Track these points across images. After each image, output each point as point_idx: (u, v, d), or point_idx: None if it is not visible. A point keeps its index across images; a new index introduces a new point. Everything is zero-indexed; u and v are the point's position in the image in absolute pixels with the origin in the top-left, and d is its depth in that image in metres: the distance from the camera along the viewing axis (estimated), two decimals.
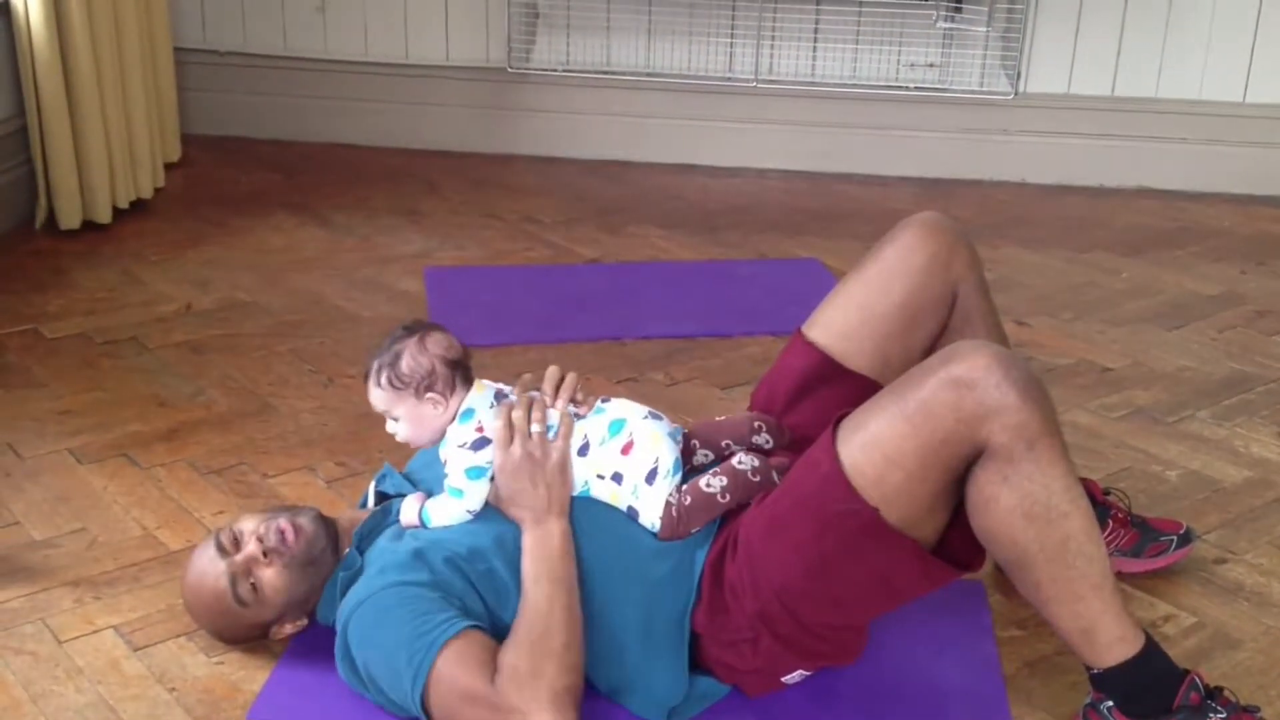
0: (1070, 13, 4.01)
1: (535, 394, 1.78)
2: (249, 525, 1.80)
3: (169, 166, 4.00)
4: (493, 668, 1.62)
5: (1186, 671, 1.63)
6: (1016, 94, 4.03)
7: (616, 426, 1.74)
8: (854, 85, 4.09)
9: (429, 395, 1.73)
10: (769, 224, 3.77)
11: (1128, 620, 1.60)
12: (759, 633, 1.67)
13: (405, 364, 1.73)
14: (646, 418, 1.76)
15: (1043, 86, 4.08)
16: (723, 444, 1.82)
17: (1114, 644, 1.59)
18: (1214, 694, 1.63)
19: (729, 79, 4.13)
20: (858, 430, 1.60)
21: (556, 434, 1.73)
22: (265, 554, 1.77)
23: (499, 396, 1.77)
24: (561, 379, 1.80)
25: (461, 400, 1.75)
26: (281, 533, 1.78)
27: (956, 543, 1.64)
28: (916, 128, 4.18)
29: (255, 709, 1.76)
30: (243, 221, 3.69)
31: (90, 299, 3.12)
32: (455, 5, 4.25)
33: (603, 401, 1.79)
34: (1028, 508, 1.54)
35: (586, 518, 1.74)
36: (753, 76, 4.09)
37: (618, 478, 1.73)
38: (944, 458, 1.55)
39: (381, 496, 1.93)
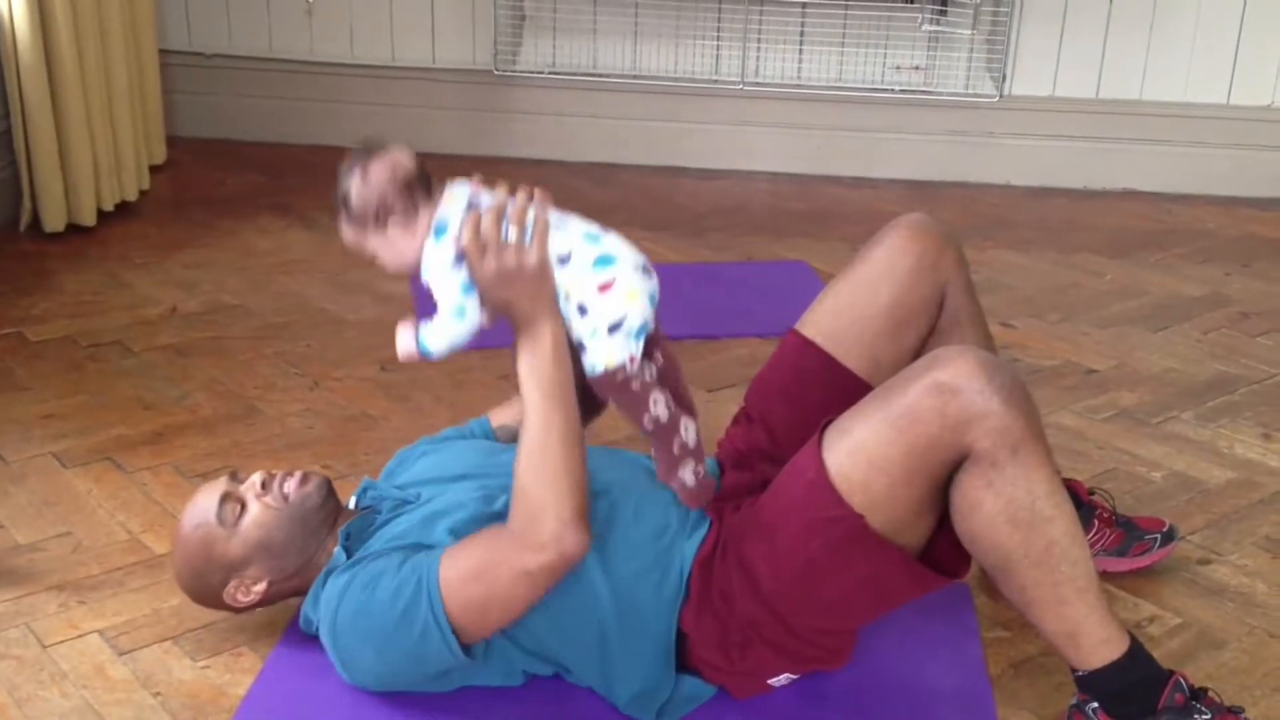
0: (1055, 15, 4.02)
1: (504, 196, 1.66)
2: (261, 473, 1.82)
3: (154, 169, 3.99)
4: (492, 529, 1.63)
5: (1171, 672, 1.63)
6: (1002, 96, 4.04)
7: (604, 261, 1.65)
8: (840, 88, 4.10)
9: (390, 224, 1.64)
10: (756, 226, 3.77)
11: (1112, 622, 1.61)
12: (747, 636, 1.68)
13: (355, 200, 1.65)
14: (637, 269, 1.66)
15: (1028, 89, 4.09)
16: (667, 390, 1.71)
17: (1099, 646, 1.60)
18: (1199, 695, 1.63)
19: (715, 81, 4.13)
20: (843, 436, 1.60)
21: (531, 237, 1.62)
22: (264, 486, 1.78)
23: (472, 204, 1.66)
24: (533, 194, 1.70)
25: (431, 215, 1.65)
26: (287, 475, 1.79)
27: (942, 548, 1.64)
28: (902, 130, 4.19)
29: (240, 713, 1.75)
30: (228, 224, 3.68)
31: (75, 302, 3.11)
32: (441, 8, 4.25)
33: (600, 229, 1.69)
34: (1012, 513, 1.54)
35: None
36: (739, 79, 4.10)
37: (583, 310, 1.64)
38: (929, 463, 1.55)
39: None
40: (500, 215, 1.63)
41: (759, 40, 4.09)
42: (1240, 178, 4.09)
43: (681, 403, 1.73)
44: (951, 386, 1.52)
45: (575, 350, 1.67)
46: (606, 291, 1.64)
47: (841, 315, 1.90)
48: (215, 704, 1.78)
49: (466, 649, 1.65)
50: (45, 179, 3.42)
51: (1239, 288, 3.37)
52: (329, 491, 1.83)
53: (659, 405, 1.66)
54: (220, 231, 3.62)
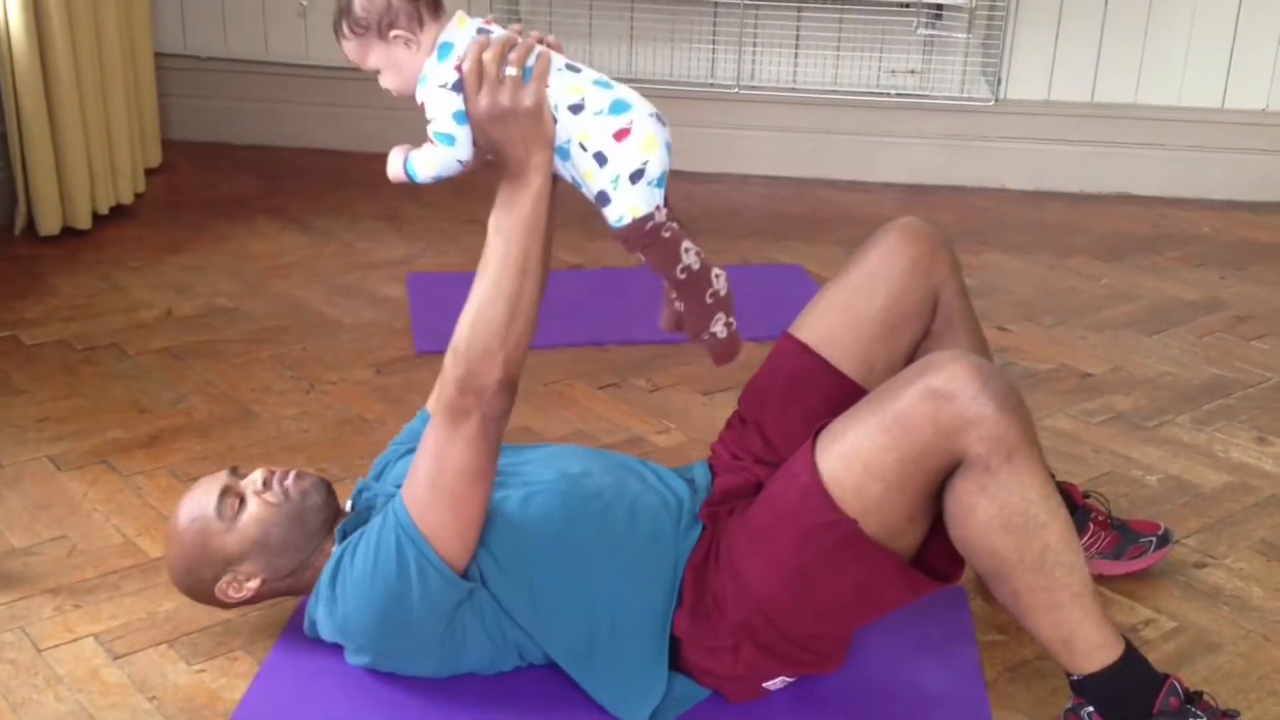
0: (1050, 19, 4.03)
1: (512, 33, 1.60)
2: (262, 470, 1.82)
3: (149, 172, 3.98)
4: (423, 437, 1.64)
5: (1166, 676, 1.63)
6: (997, 100, 4.05)
7: (619, 107, 1.56)
8: (835, 91, 4.10)
9: (394, 34, 1.58)
10: (751, 230, 3.77)
11: (1107, 627, 1.61)
12: (741, 641, 1.68)
13: (358, 5, 1.59)
14: (652, 116, 1.58)
15: (1023, 93, 4.10)
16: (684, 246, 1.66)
17: (1094, 651, 1.60)
18: (1194, 698, 1.63)
19: (711, 85, 4.13)
20: (836, 441, 1.60)
21: (530, 77, 1.55)
22: (265, 484, 1.77)
23: (481, 32, 1.60)
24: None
25: (437, 34, 1.59)
26: (288, 473, 1.79)
27: (936, 553, 1.64)
28: (897, 134, 4.19)
29: (236, 717, 1.75)
30: (224, 227, 3.68)
31: (70, 305, 3.11)
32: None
33: (611, 78, 1.61)
34: (1006, 518, 1.54)
35: (569, 500, 1.74)
36: (735, 82, 4.10)
37: (601, 158, 1.57)
38: (923, 469, 1.55)
39: None
40: (505, 49, 1.55)
41: (754, 44, 4.10)
42: (1235, 182, 4.09)
43: (703, 261, 1.66)
44: (945, 392, 1.53)
45: (601, 203, 1.60)
46: (624, 139, 1.56)
47: (835, 319, 1.90)
48: (211, 708, 1.78)
49: (463, 575, 1.65)
50: (40, 182, 3.41)
51: (1234, 292, 3.37)
52: (329, 492, 1.82)
53: (691, 253, 1.60)
54: (215, 235, 3.62)
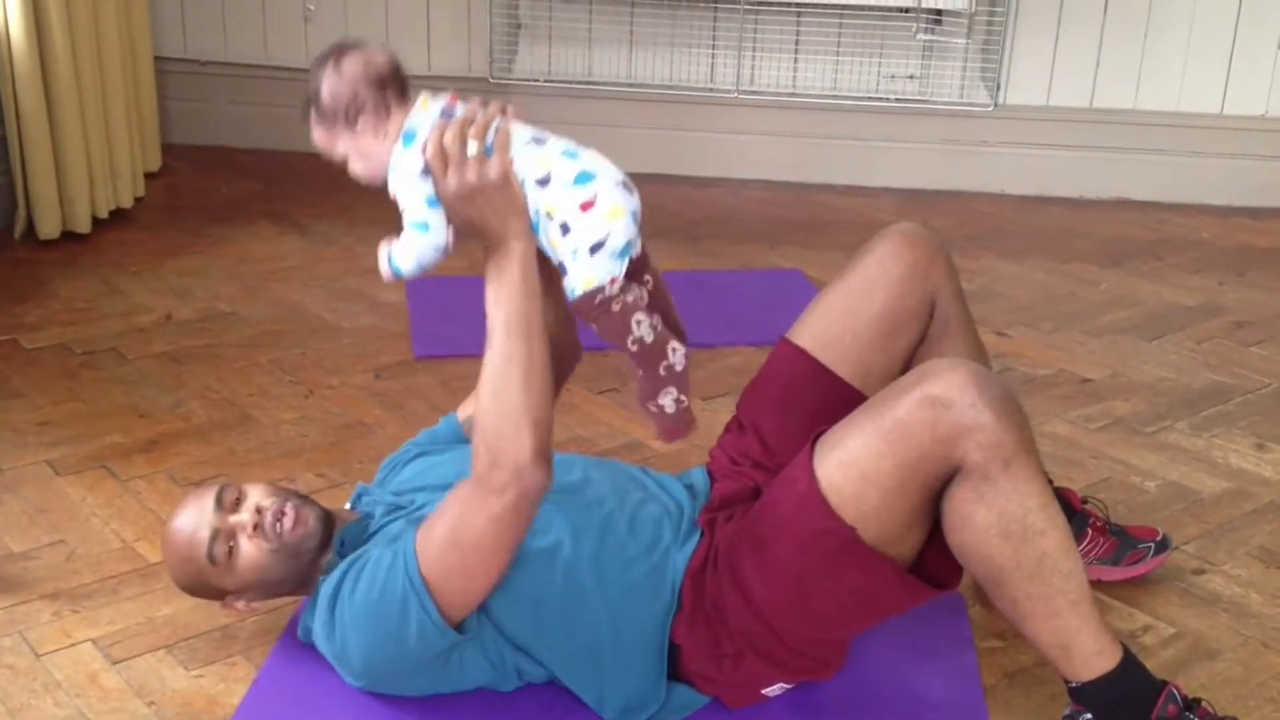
0: (1049, 25, 4.03)
1: (473, 109, 1.60)
2: (255, 493, 1.77)
3: (149, 176, 3.99)
4: (452, 495, 1.61)
5: (1164, 683, 1.63)
6: (996, 105, 4.05)
7: (584, 178, 1.58)
8: (835, 96, 4.10)
9: (361, 122, 1.58)
10: (750, 234, 3.77)
11: (1105, 634, 1.61)
12: (739, 647, 1.68)
13: (325, 94, 1.58)
14: (618, 185, 1.60)
15: (1022, 98, 4.10)
16: (655, 314, 1.68)
17: (1091, 658, 1.60)
18: (1192, 705, 1.63)
19: (710, 90, 4.14)
20: (835, 448, 1.60)
21: (492, 150, 1.55)
22: (254, 528, 1.74)
23: (445, 114, 1.60)
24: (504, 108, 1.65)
25: (402, 120, 1.59)
26: (280, 518, 1.74)
27: (934, 560, 1.64)
28: (897, 139, 4.19)
29: None
30: (223, 231, 3.68)
31: (69, 309, 3.11)
32: (437, 15, 4.25)
33: (578, 145, 1.62)
34: (1004, 525, 1.54)
35: (569, 510, 1.74)
36: (734, 87, 4.10)
37: (565, 229, 1.57)
38: (920, 476, 1.55)
39: None
40: (465, 128, 1.55)
41: (754, 48, 4.10)
42: (1234, 187, 4.10)
43: (671, 327, 1.69)
44: (943, 400, 1.53)
45: (556, 278, 1.61)
46: (589, 210, 1.57)
47: (832, 323, 1.90)
48: (209, 713, 1.78)
49: (459, 627, 1.64)
50: (40, 186, 3.42)
51: (1233, 297, 3.37)
52: (325, 523, 1.80)
53: (642, 326, 1.61)
54: (215, 239, 3.62)
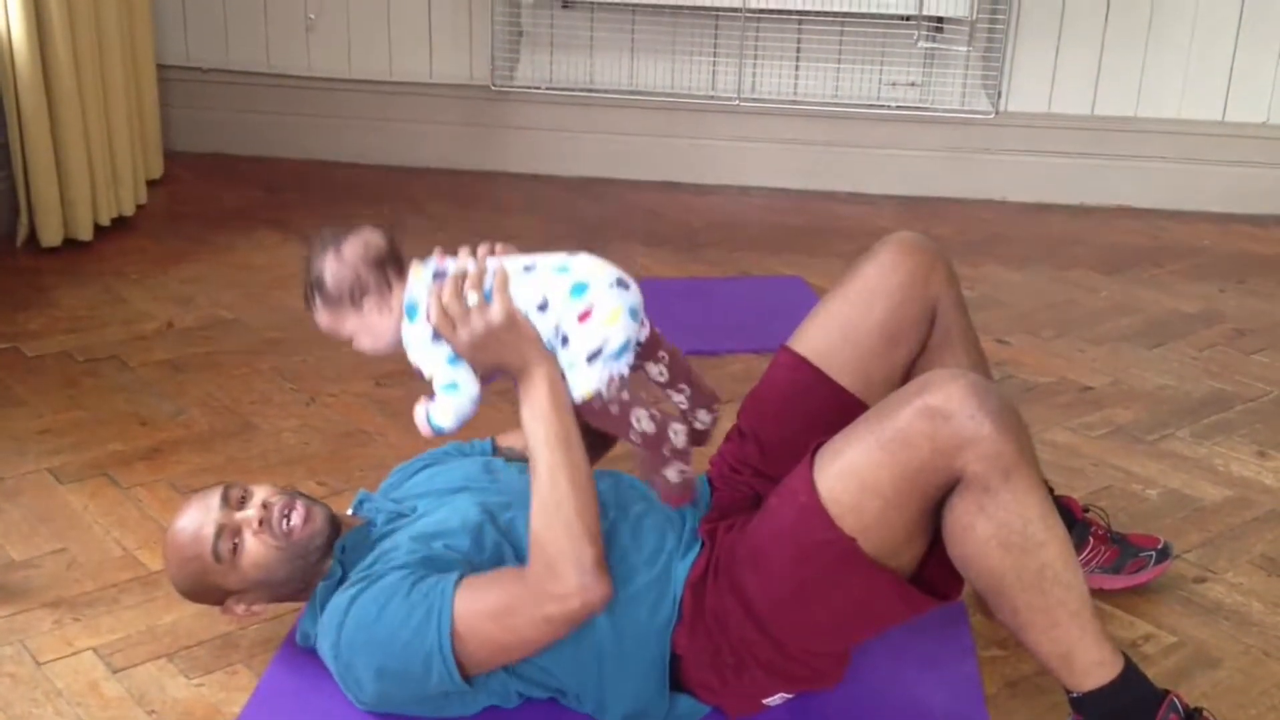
0: (1050, 32, 4.04)
1: (463, 263, 1.69)
2: (262, 492, 1.78)
3: (151, 183, 3.99)
4: (510, 574, 1.63)
5: (1166, 692, 1.63)
6: (997, 113, 4.05)
7: (579, 290, 1.65)
8: (836, 104, 4.11)
9: (365, 303, 1.66)
10: (752, 242, 3.78)
11: (1106, 644, 1.61)
12: (740, 657, 1.67)
13: (329, 281, 1.66)
14: (612, 287, 1.66)
15: (1023, 106, 4.11)
16: (680, 386, 1.78)
17: (1092, 668, 1.60)
18: (1193, 715, 1.63)
19: (712, 97, 4.14)
20: (835, 459, 1.60)
21: (491, 294, 1.64)
22: (260, 524, 1.74)
23: (438, 277, 1.67)
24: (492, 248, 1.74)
25: (402, 295, 1.67)
26: (288, 514, 1.75)
27: (934, 571, 1.64)
28: (898, 146, 4.20)
29: None
30: (225, 239, 3.68)
31: (71, 317, 3.11)
32: (439, 23, 4.26)
33: (569, 256, 1.70)
34: (1004, 537, 1.54)
35: None
36: (735, 95, 4.11)
37: (565, 340, 1.66)
38: (920, 487, 1.55)
39: None
40: (459, 284, 1.65)
41: (755, 56, 4.10)
42: (1235, 194, 4.10)
43: (699, 390, 1.77)
44: (943, 411, 1.53)
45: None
46: (586, 320, 1.65)
47: (833, 332, 1.91)
48: None
49: (469, 679, 1.66)
50: (42, 193, 3.42)
51: (1234, 304, 3.37)
52: (331, 524, 1.81)
53: (643, 421, 1.66)
54: (217, 246, 3.63)
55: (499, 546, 1.73)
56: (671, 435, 1.67)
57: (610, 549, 1.71)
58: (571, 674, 1.71)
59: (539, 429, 1.65)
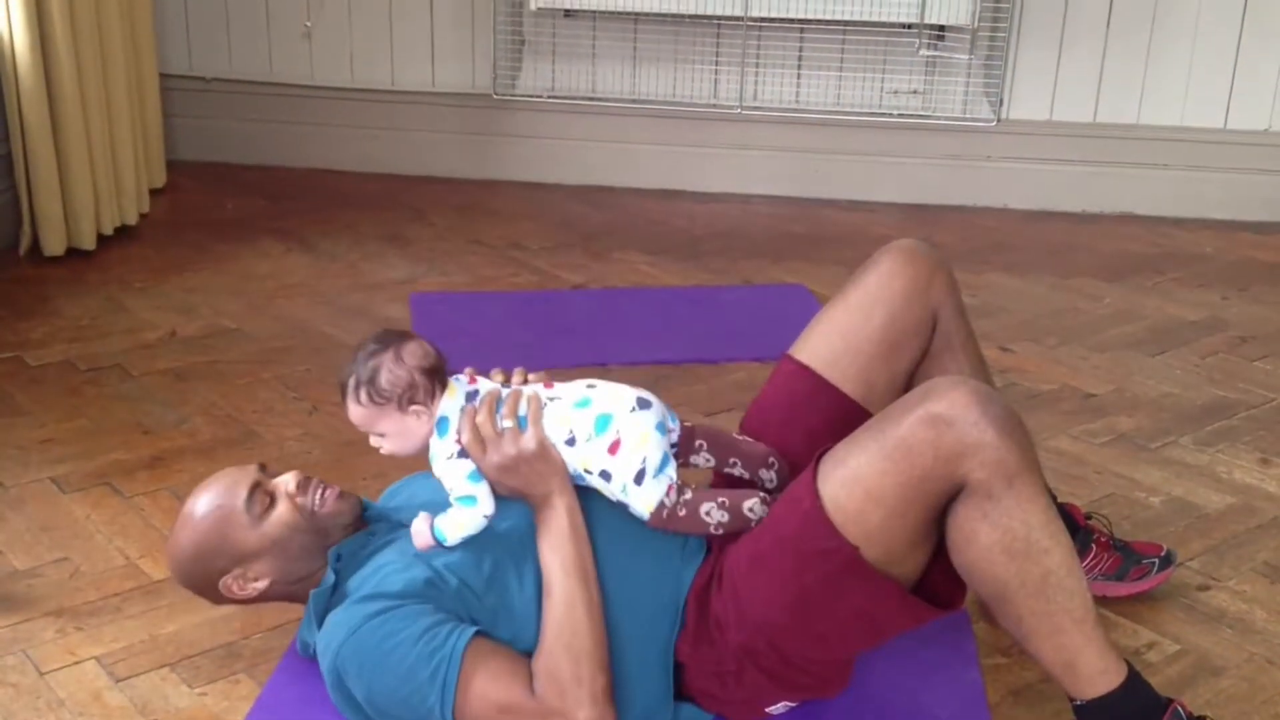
0: (1052, 40, 4.04)
1: (495, 387, 1.74)
2: (295, 474, 1.82)
3: (154, 193, 4.00)
4: (521, 675, 1.63)
5: (1170, 700, 1.63)
6: (999, 120, 4.06)
7: (603, 423, 1.69)
8: (838, 112, 4.11)
9: (412, 408, 1.69)
10: (754, 249, 3.78)
11: (1110, 652, 1.61)
12: (743, 665, 1.67)
13: (384, 379, 1.69)
14: (634, 410, 1.70)
15: (1025, 113, 4.11)
16: (730, 460, 1.81)
17: (1096, 676, 1.60)
18: None
19: (714, 105, 4.15)
20: (838, 467, 1.60)
21: (526, 422, 1.69)
22: (299, 487, 1.78)
23: (470, 397, 1.72)
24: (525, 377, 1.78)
25: (438, 406, 1.71)
26: (324, 489, 1.79)
27: (938, 579, 1.64)
28: (900, 154, 4.20)
29: None
30: (228, 248, 3.69)
31: (74, 326, 3.12)
32: (441, 32, 4.26)
33: (588, 387, 1.73)
34: (1008, 544, 1.54)
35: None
36: (737, 103, 4.11)
37: (605, 475, 1.70)
38: (924, 495, 1.55)
39: None
40: (493, 407, 1.70)
41: (757, 64, 4.11)
42: (1237, 202, 4.10)
43: (749, 458, 1.81)
44: (946, 418, 1.53)
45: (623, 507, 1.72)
46: (618, 451, 1.69)
47: (834, 339, 1.91)
48: None
49: None
50: (45, 203, 3.43)
51: (1236, 312, 3.37)
52: (360, 514, 1.83)
53: (714, 512, 1.70)
54: (219, 255, 3.63)
55: (498, 564, 1.72)
56: (748, 514, 1.70)
57: (612, 558, 1.71)
58: None
59: (556, 558, 1.67)
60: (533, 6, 4.04)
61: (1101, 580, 2.05)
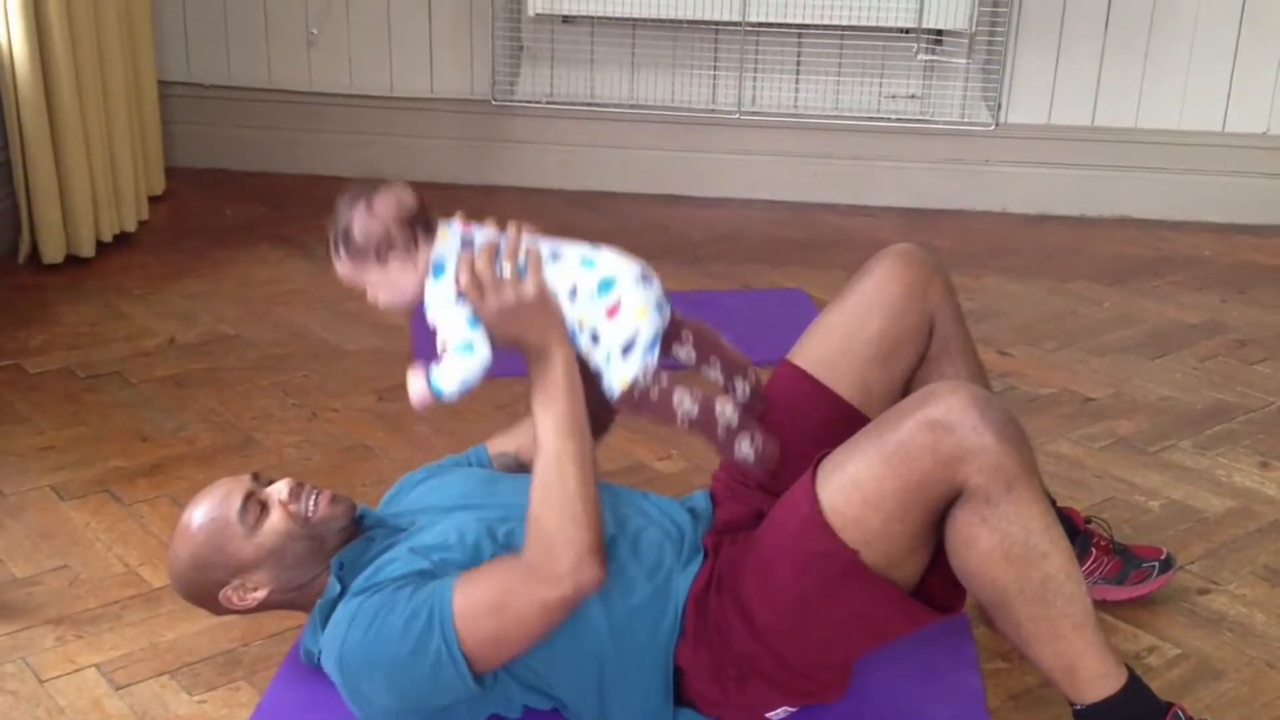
0: (1050, 44, 4.04)
1: (495, 233, 1.69)
2: (287, 482, 1.80)
3: (153, 199, 4.00)
4: (507, 564, 1.63)
5: (1170, 704, 1.63)
6: (997, 124, 4.06)
7: (606, 285, 1.67)
8: (836, 116, 4.11)
9: (392, 259, 1.65)
10: (753, 254, 3.78)
11: (1110, 657, 1.61)
12: (743, 670, 1.67)
13: (357, 232, 1.64)
14: (638, 282, 1.68)
15: (1023, 117, 4.11)
16: (710, 359, 1.78)
17: (1096, 681, 1.60)
18: None
19: (712, 111, 4.15)
20: (837, 472, 1.60)
21: (526, 269, 1.64)
22: (290, 494, 1.76)
23: (465, 242, 1.67)
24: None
25: (428, 253, 1.66)
26: (316, 495, 1.78)
27: (937, 583, 1.64)
28: (898, 158, 4.20)
29: None
30: (227, 254, 3.69)
31: (73, 333, 3.12)
32: (439, 38, 4.27)
33: (593, 249, 1.70)
34: (1007, 548, 1.54)
35: None
36: (736, 108, 4.11)
37: (595, 337, 1.67)
38: (923, 499, 1.55)
39: None
40: (493, 253, 1.65)
41: (755, 69, 4.11)
42: (1236, 204, 4.10)
43: (729, 362, 1.78)
44: (944, 423, 1.53)
45: (591, 376, 1.69)
46: (615, 315, 1.66)
47: (832, 344, 1.91)
48: None
49: (478, 679, 1.65)
50: (44, 210, 3.43)
51: (1236, 315, 3.37)
52: (354, 517, 1.82)
53: (686, 403, 1.67)
54: (218, 262, 3.63)
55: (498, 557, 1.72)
56: (719, 413, 1.68)
57: (610, 563, 1.71)
58: (573, 688, 1.71)
59: (549, 415, 1.64)
60: (531, 13, 4.04)
61: (1101, 584, 2.05)
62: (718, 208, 4.19)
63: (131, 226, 3.75)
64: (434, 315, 1.67)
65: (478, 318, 1.65)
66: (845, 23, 3.94)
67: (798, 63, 4.10)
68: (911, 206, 4.20)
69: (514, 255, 1.65)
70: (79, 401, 2.77)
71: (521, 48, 4.20)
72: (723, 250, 3.80)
